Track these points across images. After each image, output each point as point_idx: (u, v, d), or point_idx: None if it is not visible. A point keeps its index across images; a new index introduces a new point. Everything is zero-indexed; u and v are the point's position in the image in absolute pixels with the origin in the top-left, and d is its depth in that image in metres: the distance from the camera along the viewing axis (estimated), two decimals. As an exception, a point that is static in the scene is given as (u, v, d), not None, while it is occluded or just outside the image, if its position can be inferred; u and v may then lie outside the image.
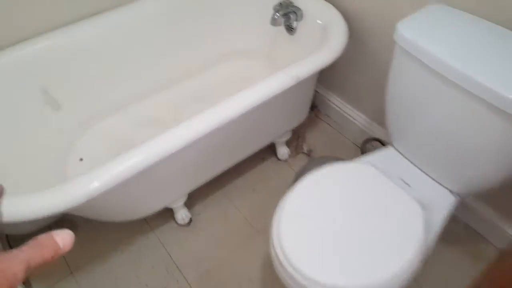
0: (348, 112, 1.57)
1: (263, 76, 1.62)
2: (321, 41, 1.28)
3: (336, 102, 1.60)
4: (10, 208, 0.81)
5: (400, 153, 1.09)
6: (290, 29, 1.46)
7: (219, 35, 1.61)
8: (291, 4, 1.41)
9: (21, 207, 0.82)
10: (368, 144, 1.46)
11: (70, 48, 1.26)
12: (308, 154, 1.57)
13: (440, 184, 1.03)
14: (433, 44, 0.84)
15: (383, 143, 1.43)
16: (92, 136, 1.41)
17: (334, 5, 1.32)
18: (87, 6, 1.28)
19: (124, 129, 1.43)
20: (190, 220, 1.39)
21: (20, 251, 0.29)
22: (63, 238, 0.32)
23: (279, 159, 1.56)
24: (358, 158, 1.08)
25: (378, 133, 1.47)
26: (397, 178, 1.02)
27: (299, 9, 1.40)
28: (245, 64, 1.68)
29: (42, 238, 0.31)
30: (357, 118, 1.54)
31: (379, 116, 1.46)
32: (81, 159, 1.36)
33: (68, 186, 0.86)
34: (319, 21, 1.33)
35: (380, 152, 1.10)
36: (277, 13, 1.42)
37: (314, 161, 1.37)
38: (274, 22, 1.43)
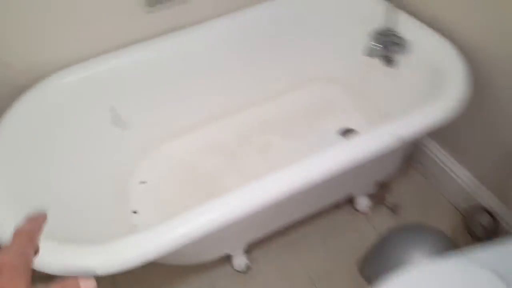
0: (449, 165, 1.29)
1: (344, 108, 1.43)
2: (429, 85, 1.04)
3: (435, 151, 1.33)
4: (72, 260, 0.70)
5: (531, 254, 0.82)
6: (389, 60, 1.23)
7: (300, 60, 1.44)
8: (394, 34, 1.17)
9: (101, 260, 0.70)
10: (476, 215, 1.17)
11: (140, 67, 1.17)
12: (393, 209, 1.33)
13: None
14: None
15: (495, 218, 1.13)
16: (156, 159, 1.34)
17: (453, 42, 1.06)
18: (162, 23, 1.18)
19: (189, 153, 1.35)
20: (248, 267, 1.24)
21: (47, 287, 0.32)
22: (86, 286, 0.33)
23: (356, 210, 1.34)
24: (468, 252, 0.83)
25: (488, 200, 1.18)
26: (524, 292, 0.76)
27: (404, 40, 1.16)
28: (325, 93, 1.49)
29: (69, 281, 0.33)
30: (461, 175, 1.26)
31: (491, 180, 1.17)
32: (143, 182, 1.29)
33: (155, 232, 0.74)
34: (430, 60, 1.08)
35: (500, 247, 0.84)
36: (375, 43, 1.20)
37: (404, 230, 1.13)
38: (370, 52, 1.21)
